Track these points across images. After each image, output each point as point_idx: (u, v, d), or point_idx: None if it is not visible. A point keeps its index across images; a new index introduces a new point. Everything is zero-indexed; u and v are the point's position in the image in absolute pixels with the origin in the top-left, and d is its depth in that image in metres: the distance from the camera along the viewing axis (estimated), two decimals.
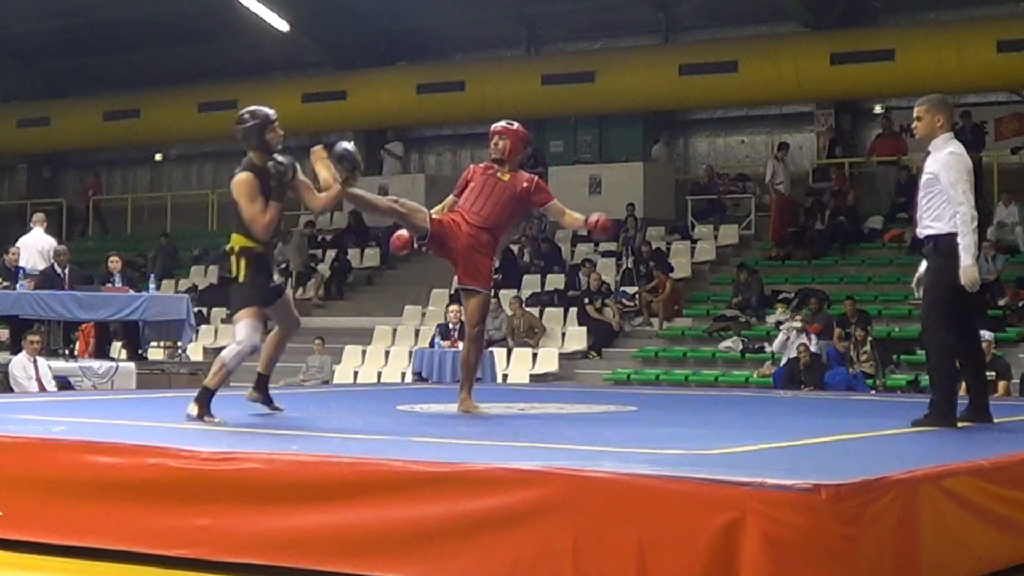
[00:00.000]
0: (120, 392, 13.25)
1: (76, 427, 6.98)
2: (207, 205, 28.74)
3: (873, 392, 16.39)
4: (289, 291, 8.48)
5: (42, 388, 13.52)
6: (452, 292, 22.73)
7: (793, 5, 23.64)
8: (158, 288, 19.17)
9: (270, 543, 5.47)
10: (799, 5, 23.54)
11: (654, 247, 22.37)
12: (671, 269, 21.83)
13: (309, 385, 18.89)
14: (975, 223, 7.33)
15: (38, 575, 5.80)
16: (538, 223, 24.29)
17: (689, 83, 23.74)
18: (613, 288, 21.74)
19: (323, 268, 25.03)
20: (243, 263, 7.66)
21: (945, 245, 7.36)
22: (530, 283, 22.79)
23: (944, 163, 7.43)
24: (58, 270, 16.17)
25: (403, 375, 20.01)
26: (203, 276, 25.82)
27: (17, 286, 15.40)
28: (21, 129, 30.05)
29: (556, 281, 22.56)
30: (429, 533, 5.18)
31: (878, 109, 24.48)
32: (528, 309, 21.07)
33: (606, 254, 23.22)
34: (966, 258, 7.28)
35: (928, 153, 7.63)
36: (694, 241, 23.28)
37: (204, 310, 22.89)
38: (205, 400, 7.40)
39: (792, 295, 20.39)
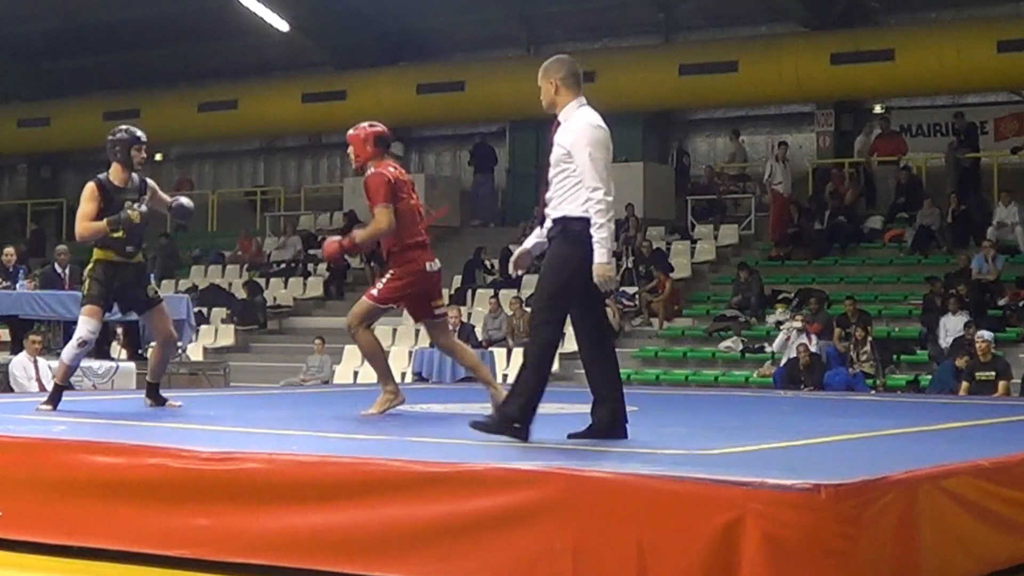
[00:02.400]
0: (120, 392, 13.24)
1: (76, 427, 6.98)
2: (207, 205, 28.74)
3: (873, 392, 16.40)
4: (164, 305, 8.78)
5: (42, 388, 13.50)
6: (452, 293, 22.76)
7: (793, 5, 23.64)
8: (158, 288, 19.14)
9: (270, 543, 5.47)
10: (799, 5, 23.54)
11: (654, 247, 22.36)
12: (671, 269, 21.83)
13: (309, 385, 18.89)
14: (611, 212, 6.29)
15: (38, 575, 5.80)
16: (538, 223, 24.25)
17: (689, 83, 23.74)
18: (613, 288, 21.71)
19: (322, 268, 25.05)
20: (90, 266, 8.55)
21: (576, 231, 6.30)
22: (530, 283, 22.77)
23: (578, 136, 6.36)
24: (58, 270, 16.16)
25: (403, 375, 20.00)
26: (203, 276, 25.81)
27: (17, 286, 15.40)
28: (21, 129, 30.04)
29: None
30: (429, 533, 5.18)
31: (878, 109, 24.48)
32: (528, 309, 21.04)
33: None
34: (600, 253, 6.23)
35: (559, 124, 6.58)
36: (694, 241, 23.28)
37: (204, 310, 22.89)
38: (55, 396, 8.40)
39: (792, 295, 20.39)
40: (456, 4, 25.78)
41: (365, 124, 8.57)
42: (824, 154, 24.22)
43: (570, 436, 6.40)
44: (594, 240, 6.21)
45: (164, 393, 8.92)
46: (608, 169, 6.35)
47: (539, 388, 6.32)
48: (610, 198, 6.27)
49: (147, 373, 8.94)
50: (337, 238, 8.84)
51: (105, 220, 8.35)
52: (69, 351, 8.45)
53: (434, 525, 5.17)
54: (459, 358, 8.86)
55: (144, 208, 8.44)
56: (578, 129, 6.36)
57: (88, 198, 8.43)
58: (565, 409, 9.44)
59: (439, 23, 26.98)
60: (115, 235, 8.36)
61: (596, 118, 6.44)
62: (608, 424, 6.45)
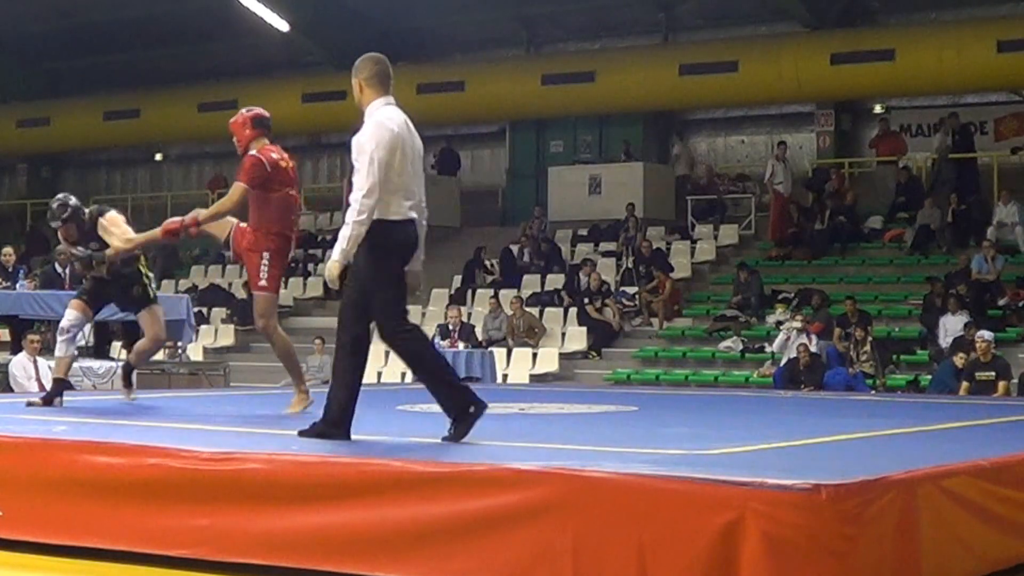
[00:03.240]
0: (120, 392, 13.22)
1: (76, 427, 6.98)
2: (207, 205, 28.63)
3: (873, 392, 16.40)
4: (157, 307, 9.02)
5: (42, 388, 13.48)
6: (452, 293, 22.76)
7: (793, 5, 23.64)
8: (158, 288, 19.15)
9: (270, 543, 5.47)
10: (799, 5, 23.53)
11: (654, 247, 22.37)
12: (671, 269, 21.83)
13: (309, 385, 18.84)
14: (364, 215, 6.11)
15: (38, 575, 5.80)
16: (538, 223, 24.29)
17: (689, 83, 23.74)
18: (613, 288, 21.73)
19: (322, 268, 25.05)
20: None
21: (373, 234, 6.20)
22: (530, 283, 22.79)
23: (366, 135, 6.21)
24: (58, 270, 16.15)
25: (403, 375, 19.99)
26: (203, 276, 25.82)
27: (17, 286, 15.39)
28: (21, 129, 30.03)
29: (556, 281, 22.56)
30: (429, 533, 5.18)
31: (878, 109, 24.48)
32: (528, 309, 21.06)
33: (606, 254, 23.22)
34: (337, 252, 6.17)
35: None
36: (694, 241, 23.28)
37: (204, 310, 22.90)
38: (56, 391, 8.75)
39: (792, 295, 20.39)
40: (456, 4, 25.78)
41: (243, 111, 8.43)
42: (824, 154, 24.22)
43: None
44: (340, 235, 6.14)
45: (168, 394, 9.00)
46: (405, 170, 6.24)
47: (352, 391, 6.35)
48: (369, 201, 6.10)
49: (131, 354, 9.26)
50: (179, 217, 8.64)
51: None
52: (57, 344, 8.80)
53: (434, 525, 5.17)
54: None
55: (96, 255, 8.77)
56: (368, 128, 6.23)
57: None
58: (565, 409, 9.45)
59: (439, 23, 26.98)
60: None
61: (392, 118, 6.28)
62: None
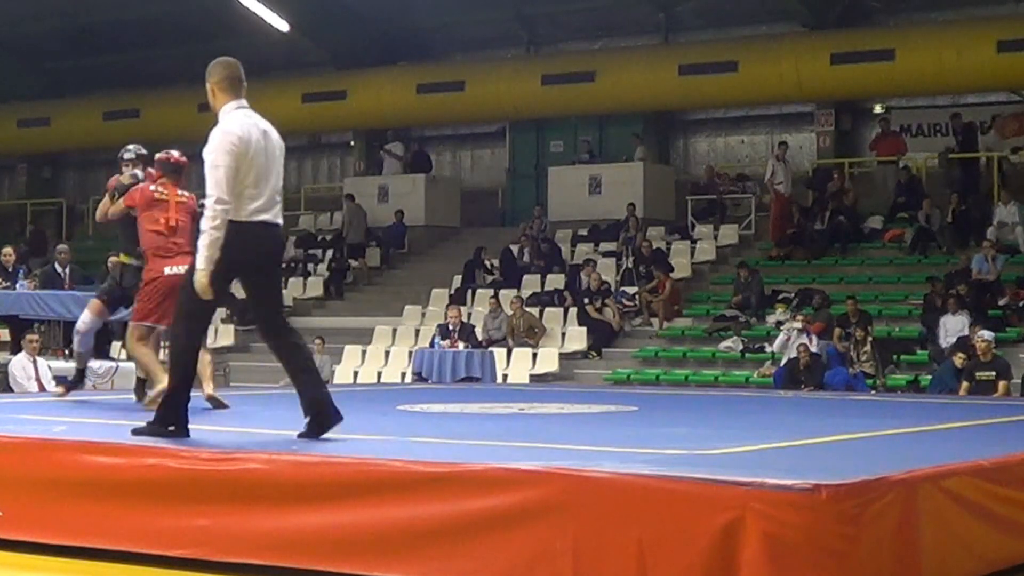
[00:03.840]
0: (120, 392, 13.23)
1: (76, 427, 6.98)
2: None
3: (873, 392, 16.40)
4: None
5: (42, 388, 13.50)
6: (452, 293, 22.77)
7: (793, 5, 23.65)
8: None
9: (270, 543, 5.47)
10: (799, 5, 23.54)
11: (654, 247, 22.36)
12: (671, 269, 21.82)
13: None
14: (217, 221, 6.20)
15: (38, 575, 5.80)
16: (538, 223, 24.29)
17: (689, 83, 23.74)
18: (613, 288, 21.73)
19: (323, 268, 25.06)
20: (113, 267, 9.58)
21: (231, 236, 6.27)
22: (530, 283, 22.78)
23: (210, 143, 6.32)
24: (58, 270, 16.16)
25: (403, 375, 20.01)
26: None
27: (17, 286, 15.39)
28: (21, 129, 30.04)
29: (556, 281, 22.56)
30: (429, 533, 5.18)
31: (878, 109, 24.48)
32: (528, 309, 21.06)
33: (606, 254, 23.22)
34: (200, 260, 6.25)
35: None
36: (694, 241, 23.28)
37: None
38: (77, 379, 9.63)
39: (792, 295, 20.39)
40: (456, 4, 25.78)
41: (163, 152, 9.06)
42: (824, 154, 24.22)
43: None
44: (200, 244, 6.24)
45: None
46: (255, 173, 6.30)
47: (183, 390, 6.38)
48: (220, 207, 6.20)
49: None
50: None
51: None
52: (75, 342, 9.62)
53: (434, 525, 5.16)
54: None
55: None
56: (213, 135, 6.34)
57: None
58: (565, 409, 9.45)
59: (439, 23, 26.98)
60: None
61: (236, 124, 6.35)
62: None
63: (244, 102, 6.49)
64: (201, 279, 6.24)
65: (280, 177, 6.52)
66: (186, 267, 8.33)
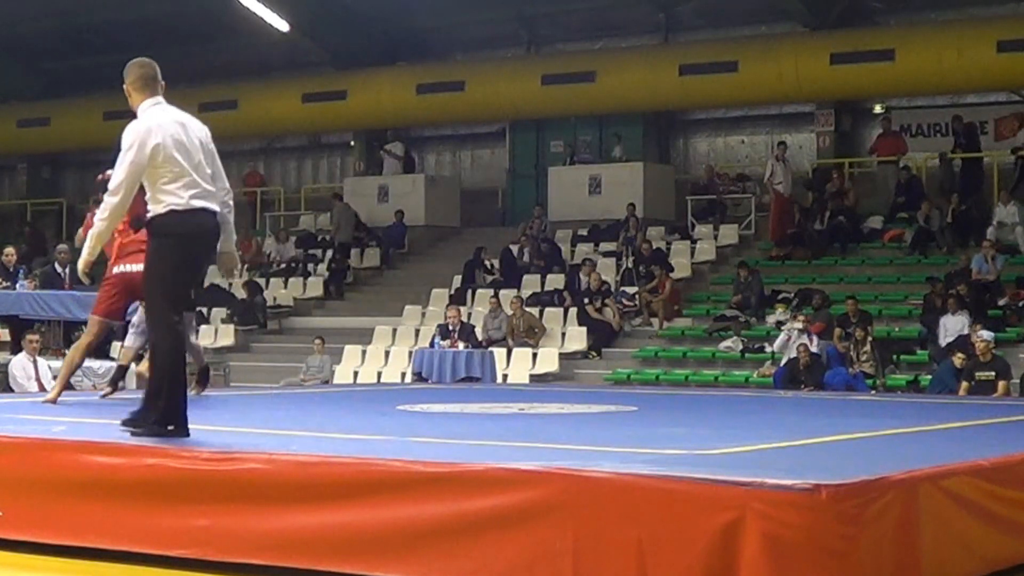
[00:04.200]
0: (119, 392, 13.22)
1: (76, 427, 6.98)
2: None
3: (873, 392, 16.40)
4: (190, 313, 9.34)
5: (42, 388, 13.49)
6: (452, 293, 22.76)
7: (793, 5, 23.64)
8: None
9: (270, 543, 5.46)
10: (799, 5, 23.53)
11: (654, 247, 22.36)
12: (671, 269, 21.83)
13: (309, 385, 18.88)
14: (107, 212, 6.47)
15: (38, 575, 5.79)
16: (538, 223, 24.29)
17: (689, 83, 23.74)
18: (613, 288, 21.73)
19: (323, 268, 25.05)
20: None
21: (159, 226, 6.42)
22: (530, 283, 22.79)
23: (123, 140, 6.52)
24: (58, 270, 16.16)
25: (403, 375, 20.01)
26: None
27: (17, 286, 15.39)
28: (21, 129, 30.04)
29: (556, 281, 22.56)
30: (429, 533, 5.18)
31: (878, 109, 24.48)
32: (528, 309, 21.06)
33: (606, 254, 23.22)
34: (84, 248, 6.68)
35: None
36: (694, 241, 23.28)
37: (204, 310, 22.88)
38: (117, 376, 9.73)
39: (792, 295, 20.39)
40: (456, 4, 25.78)
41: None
42: (824, 154, 24.22)
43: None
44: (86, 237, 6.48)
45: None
46: (179, 164, 6.38)
47: (179, 389, 6.40)
48: (113, 199, 6.41)
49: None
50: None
51: None
52: (128, 336, 9.78)
53: (434, 525, 5.16)
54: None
55: None
56: (125, 133, 6.51)
57: None
58: (565, 409, 9.45)
59: (439, 23, 26.97)
60: None
61: (147, 119, 6.51)
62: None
63: (160, 99, 6.62)
64: (82, 268, 6.79)
65: (210, 166, 6.57)
66: (125, 265, 8.73)
